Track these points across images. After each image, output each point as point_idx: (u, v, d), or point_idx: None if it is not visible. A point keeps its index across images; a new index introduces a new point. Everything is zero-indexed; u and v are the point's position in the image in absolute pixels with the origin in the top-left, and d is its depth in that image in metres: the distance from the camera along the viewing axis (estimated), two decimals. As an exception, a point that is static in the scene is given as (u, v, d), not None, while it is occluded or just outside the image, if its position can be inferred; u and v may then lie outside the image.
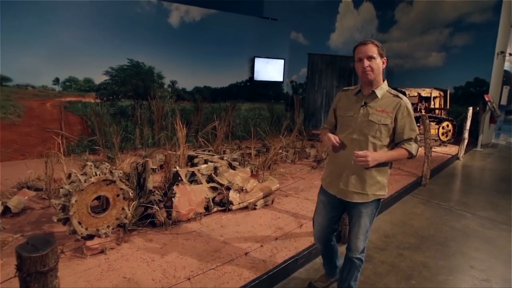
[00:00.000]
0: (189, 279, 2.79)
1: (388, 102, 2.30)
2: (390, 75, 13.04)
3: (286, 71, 10.15)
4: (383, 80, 2.36)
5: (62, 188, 3.26)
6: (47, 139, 6.63)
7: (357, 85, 2.45)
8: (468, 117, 8.42)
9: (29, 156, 6.49)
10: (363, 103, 2.33)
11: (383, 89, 2.33)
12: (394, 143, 2.37)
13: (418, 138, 2.36)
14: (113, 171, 3.48)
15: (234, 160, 5.23)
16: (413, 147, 2.31)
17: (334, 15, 12.44)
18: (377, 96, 2.31)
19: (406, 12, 13.43)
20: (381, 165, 2.31)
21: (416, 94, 10.03)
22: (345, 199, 2.42)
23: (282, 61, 9.89)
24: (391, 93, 2.34)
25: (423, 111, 9.98)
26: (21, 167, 5.72)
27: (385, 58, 2.30)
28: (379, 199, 2.44)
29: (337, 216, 2.61)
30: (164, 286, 2.70)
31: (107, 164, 3.59)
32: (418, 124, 9.32)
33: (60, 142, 4.47)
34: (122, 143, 6.96)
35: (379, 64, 2.26)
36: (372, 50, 2.23)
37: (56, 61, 6.58)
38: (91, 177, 3.26)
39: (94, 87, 7.11)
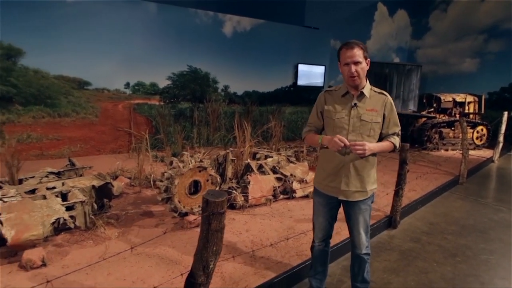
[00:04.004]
0: (271, 245, 3.48)
1: (375, 100, 2.39)
2: (424, 80, 13.34)
3: (327, 76, 10.77)
4: (366, 80, 2.41)
5: (165, 172, 4.02)
6: (118, 137, 7.53)
7: (340, 85, 2.50)
8: (503, 121, 8.73)
9: (103, 151, 7.38)
10: (353, 104, 2.37)
11: (368, 88, 2.39)
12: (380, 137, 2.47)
13: (400, 133, 2.47)
14: (203, 160, 4.21)
15: (289, 156, 5.90)
16: (396, 140, 2.43)
17: (370, 23, 13.01)
18: (365, 96, 2.37)
19: (440, 19, 13.75)
20: (372, 158, 2.46)
21: (451, 99, 10.42)
22: (347, 200, 2.46)
23: (323, 67, 10.55)
24: (375, 91, 2.42)
25: (457, 115, 10.35)
26: (98, 160, 6.60)
27: (369, 60, 2.35)
28: (373, 193, 2.55)
29: (335, 214, 2.64)
30: (255, 249, 3.40)
31: (199, 154, 4.33)
32: (452, 128, 9.65)
33: (147, 138, 5.23)
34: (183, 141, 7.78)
35: (364, 68, 2.31)
36: (358, 54, 2.26)
37: (127, 67, 7.49)
38: (189, 164, 4.00)
39: (158, 91, 7.98)
